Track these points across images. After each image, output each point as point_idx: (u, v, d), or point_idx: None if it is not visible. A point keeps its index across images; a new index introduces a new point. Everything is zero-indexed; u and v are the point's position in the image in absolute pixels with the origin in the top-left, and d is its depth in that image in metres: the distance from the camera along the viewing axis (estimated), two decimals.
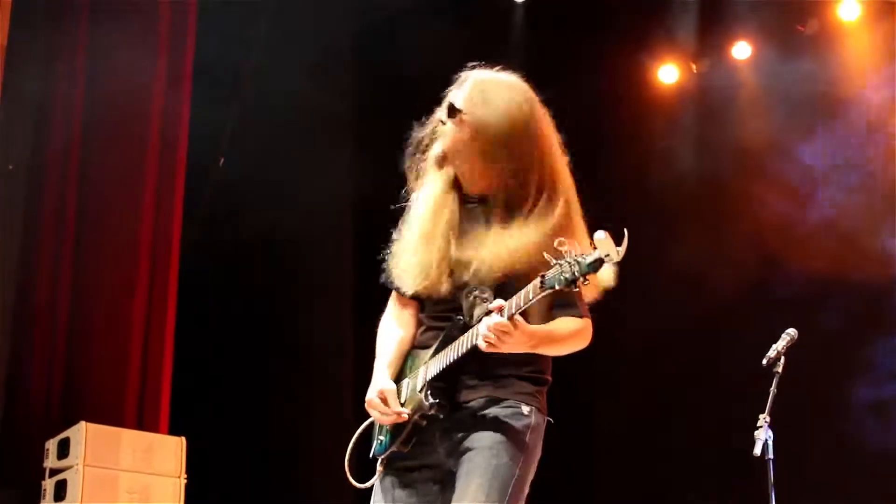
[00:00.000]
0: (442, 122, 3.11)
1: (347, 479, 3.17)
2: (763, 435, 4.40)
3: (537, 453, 3.00)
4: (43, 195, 6.63)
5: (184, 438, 6.04)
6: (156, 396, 6.52)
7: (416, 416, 2.98)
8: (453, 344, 2.95)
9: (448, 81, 3.19)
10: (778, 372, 4.54)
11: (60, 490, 5.65)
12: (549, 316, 2.96)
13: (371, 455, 3.13)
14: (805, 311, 6.39)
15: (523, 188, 3.01)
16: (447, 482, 2.99)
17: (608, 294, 3.05)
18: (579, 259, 2.66)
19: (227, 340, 7.65)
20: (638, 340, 7.26)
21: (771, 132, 7.15)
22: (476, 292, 2.97)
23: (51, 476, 5.75)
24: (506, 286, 2.90)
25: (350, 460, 3.19)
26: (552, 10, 7.57)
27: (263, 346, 7.66)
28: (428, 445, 3.02)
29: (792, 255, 6.90)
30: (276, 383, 7.58)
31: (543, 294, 2.72)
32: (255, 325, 7.69)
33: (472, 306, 2.97)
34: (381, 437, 3.09)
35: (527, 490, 2.97)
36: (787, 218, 7.02)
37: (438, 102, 3.20)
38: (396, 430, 3.03)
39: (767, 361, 4.58)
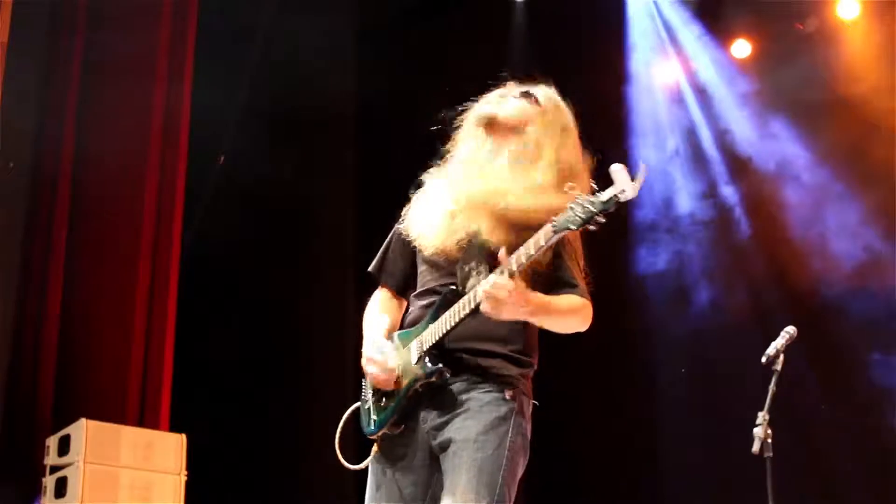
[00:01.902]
0: (515, 96, 3.15)
1: (340, 462, 3.17)
2: (762, 433, 4.40)
3: (524, 438, 2.99)
4: (43, 192, 6.63)
5: (184, 435, 6.04)
6: (156, 393, 6.53)
7: (416, 386, 2.98)
8: (448, 312, 2.95)
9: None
10: (777, 370, 4.54)
11: (61, 487, 5.65)
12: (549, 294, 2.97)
13: (368, 434, 3.12)
14: (805, 310, 6.40)
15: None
16: (434, 462, 2.99)
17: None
18: (592, 198, 2.65)
19: (228, 337, 7.66)
20: (633, 338, 7.27)
21: (770, 130, 7.16)
22: (472, 264, 2.98)
23: (51, 473, 5.76)
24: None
25: (340, 443, 3.20)
26: (552, 10, 7.58)
27: (264, 343, 7.67)
28: (413, 424, 3.03)
29: (792, 254, 6.91)
30: (277, 380, 7.59)
31: (556, 238, 2.72)
32: (256, 323, 7.69)
33: (467, 277, 2.98)
34: (375, 417, 3.08)
35: (518, 475, 2.96)
36: (786, 216, 7.03)
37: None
38: (393, 405, 3.02)
39: (767, 359, 4.58)
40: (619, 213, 2.69)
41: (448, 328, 2.94)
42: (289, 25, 7.65)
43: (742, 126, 7.26)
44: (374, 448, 3.09)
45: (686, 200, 7.35)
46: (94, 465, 5.66)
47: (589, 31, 7.51)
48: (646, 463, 7.21)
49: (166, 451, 5.94)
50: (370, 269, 3.30)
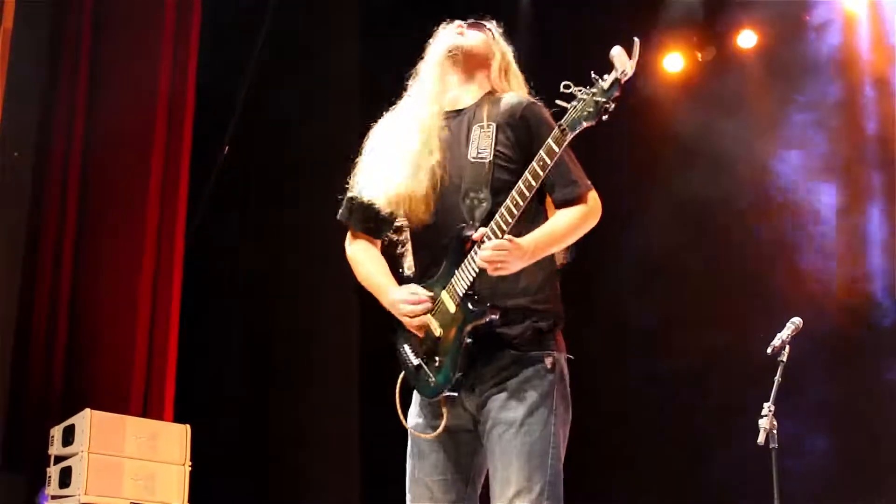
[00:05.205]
0: (462, 27, 3.27)
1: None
2: (767, 424, 4.40)
3: (566, 403, 2.98)
4: (48, 182, 6.64)
5: (188, 426, 6.04)
6: (161, 384, 6.53)
7: (465, 333, 2.91)
8: (464, 264, 2.92)
9: None
10: (783, 361, 4.54)
11: (65, 477, 5.65)
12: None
13: (429, 397, 3.04)
14: (808, 302, 6.40)
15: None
16: (475, 435, 3.00)
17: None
18: (594, 89, 2.68)
19: (233, 328, 7.66)
20: (639, 329, 7.25)
21: (776, 121, 7.14)
22: (472, 194, 2.98)
23: (56, 463, 5.76)
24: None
25: (400, 404, 3.14)
26: (558, 3, 7.57)
27: (268, 334, 7.67)
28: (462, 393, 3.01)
29: (797, 245, 6.91)
30: (281, 371, 7.59)
31: (568, 141, 2.74)
32: (261, 313, 7.69)
33: (473, 208, 2.97)
34: (433, 379, 3.00)
35: (565, 443, 2.96)
36: (792, 206, 7.03)
37: None
38: (448, 360, 2.96)
39: (772, 350, 4.58)
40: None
41: (477, 271, 2.89)
42: (292, 13, 7.64)
43: (748, 116, 7.24)
44: (444, 409, 3.00)
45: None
46: (98, 455, 5.66)
47: (594, 21, 7.49)
48: (648, 451, 7.21)
49: (170, 442, 5.94)
50: (339, 216, 3.35)
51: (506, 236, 2.83)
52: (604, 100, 2.66)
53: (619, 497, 7.22)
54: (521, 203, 2.83)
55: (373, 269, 3.21)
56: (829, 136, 6.92)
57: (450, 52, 3.19)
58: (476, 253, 2.87)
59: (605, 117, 2.68)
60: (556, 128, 2.75)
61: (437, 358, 2.98)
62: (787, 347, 4.57)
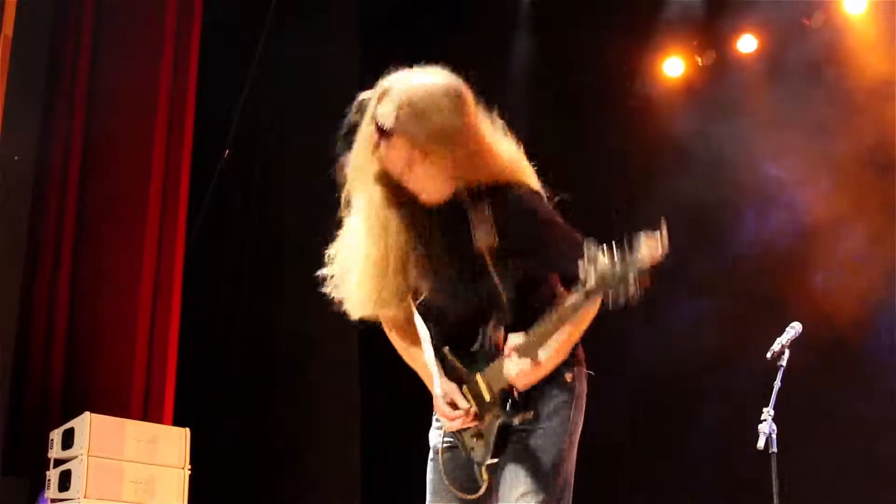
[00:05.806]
0: (375, 145, 2.93)
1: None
2: (767, 428, 4.40)
3: (581, 416, 3.00)
4: (49, 185, 6.64)
5: (188, 429, 6.04)
6: (161, 387, 6.53)
7: (498, 424, 2.94)
8: (498, 363, 2.88)
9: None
10: (782, 366, 4.54)
11: (65, 480, 5.65)
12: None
13: (480, 464, 3.02)
14: (808, 306, 6.40)
15: (473, 183, 2.88)
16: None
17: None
18: (629, 262, 2.46)
19: (233, 331, 7.66)
20: (639, 330, 7.25)
21: (777, 125, 7.14)
22: (487, 286, 2.91)
23: (55, 466, 5.75)
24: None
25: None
26: (558, 5, 7.55)
27: (269, 337, 7.66)
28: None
29: (797, 249, 6.91)
30: (281, 374, 7.59)
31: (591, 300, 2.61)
32: (261, 316, 7.69)
33: (493, 302, 2.92)
34: (476, 453, 3.00)
35: (575, 454, 2.97)
36: (792, 210, 7.03)
37: None
38: (486, 444, 2.98)
39: (772, 355, 4.58)
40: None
41: (505, 383, 2.89)
42: (292, 15, 7.64)
43: (749, 121, 7.24)
44: (487, 478, 3.00)
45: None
46: (97, 458, 5.66)
47: (594, 24, 7.48)
48: (649, 457, 7.21)
49: (170, 445, 5.93)
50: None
51: (536, 359, 2.80)
52: (631, 283, 2.47)
53: (619, 499, 7.22)
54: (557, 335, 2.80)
55: (420, 360, 3.13)
56: (831, 140, 6.91)
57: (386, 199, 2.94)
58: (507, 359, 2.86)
59: (636, 296, 2.46)
60: (583, 291, 2.56)
61: (479, 430, 3.00)
62: (787, 352, 4.57)
